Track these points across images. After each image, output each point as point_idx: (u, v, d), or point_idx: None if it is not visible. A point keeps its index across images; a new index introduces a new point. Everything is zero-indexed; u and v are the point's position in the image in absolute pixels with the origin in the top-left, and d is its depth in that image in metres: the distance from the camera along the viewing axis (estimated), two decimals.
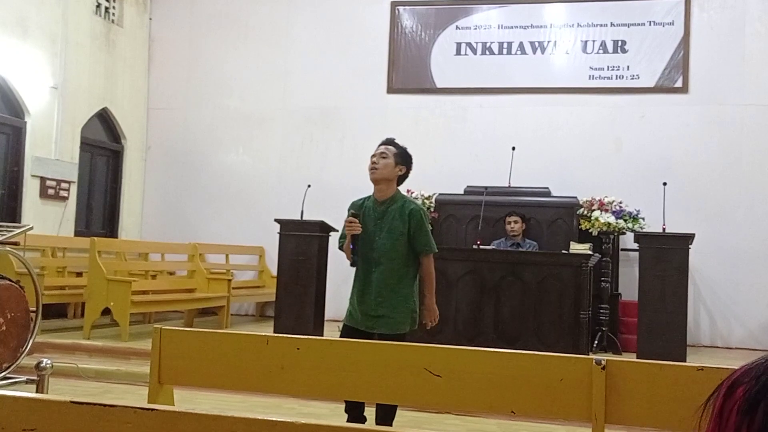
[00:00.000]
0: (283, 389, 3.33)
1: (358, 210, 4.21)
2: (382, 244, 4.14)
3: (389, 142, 4.32)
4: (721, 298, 8.98)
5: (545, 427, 5.05)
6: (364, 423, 3.92)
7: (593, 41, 9.56)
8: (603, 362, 2.84)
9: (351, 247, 4.16)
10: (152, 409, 1.78)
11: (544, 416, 3.35)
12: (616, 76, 9.46)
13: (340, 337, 4.15)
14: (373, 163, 4.21)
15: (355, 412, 4.03)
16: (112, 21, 10.20)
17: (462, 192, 8.71)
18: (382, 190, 4.23)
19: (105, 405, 1.78)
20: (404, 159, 4.27)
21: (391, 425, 4.03)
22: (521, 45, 9.76)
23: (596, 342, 7.58)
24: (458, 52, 9.95)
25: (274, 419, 1.71)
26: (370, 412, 4.11)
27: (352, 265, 4.21)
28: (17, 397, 1.87)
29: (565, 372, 2.91)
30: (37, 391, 4.43)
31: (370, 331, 4.14)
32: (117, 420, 1.77)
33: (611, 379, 2.82)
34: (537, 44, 9.72)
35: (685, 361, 6.65)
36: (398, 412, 4.16)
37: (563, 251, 7.40)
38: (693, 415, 1.07)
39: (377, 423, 3.95)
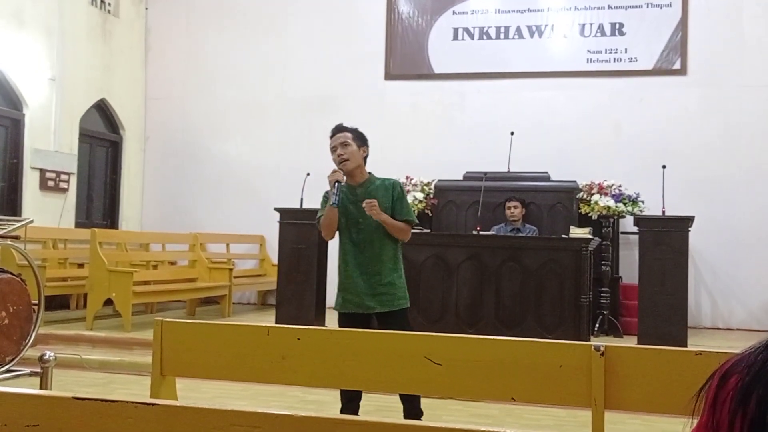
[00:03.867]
0: (284, 379, 3.35)
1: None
2: (368, 225, 4.10)
3: (341, 128, 4.28)
4: (722, 279, 9.00)
5: (546, 411, 5.08)
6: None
7: (591, 24, 9.52)
8: (602, 348, 2.85)
9: (334, 191, 4.04)
10: (154, 404, 1.79)
11: (544, 402, 3.38)
12: (614, 59, 9.43)
13: (339, 326, 4.12)
14: (339, 155, 4.18)
15: (351, 405, 4.01)
16: (108, 11, 10.17)
17: (461, 178, 8.72)
18: (356, 176, 4.21)
19: (107, 400, 1.80)
20: (363, 139, 4.27)
21: (419, 417, 4.03)
22: (518, 29, 9.73)
23: (597, 326, 7.60)
24: (455, 38, 9.92)
25: (275, 412, 1.72)
26: (368, 409, 4.13)
27: (333, 204, 4.05)
28: (20, 393, 1.89)
29: (565, 358, 2.93)
30: (41, 384, 4.46)
31: (371, 312, 4.11)
32: (119, 415, 1.78)
33: (610, 365, 2.83)
34: (534, 28, 9.69)
35: (686, 344, 6.68)
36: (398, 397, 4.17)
37: (563, 236, 7.41)
38: (688, 404, 1.08)
39: (406, 416, 3.95)
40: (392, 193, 4.18)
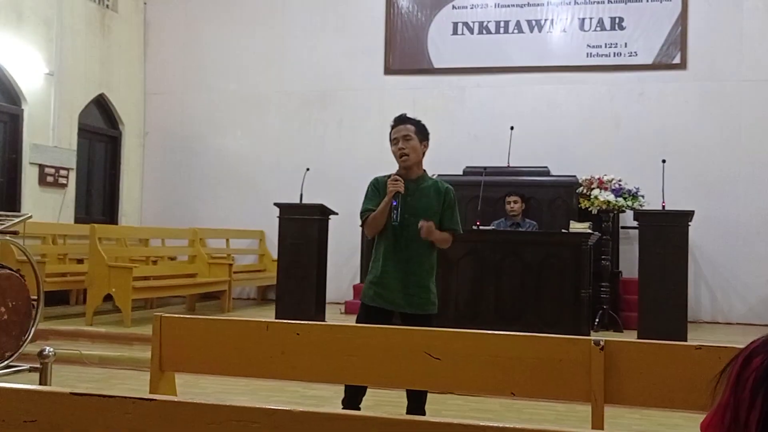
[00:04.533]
0: (284, 374, 3.34)
1: (383, 187, 4.04)
2: (414, 222, 3.95)
3: (404, 119, 4.11)
4: (722, 274, 9.00)
5: (546, 405, 5.08)
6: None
7: (590, 19, 9.50)
8: (602, 343, 2.85)
9: (393, 203, 3.92)
10: (152, 399, 1.79)
11: (544, 397, 3.37)
12: (614, 53, 9.42)
13: (358, 316, 4.05)
14: (401, 149, 4.01)
15: (354, 400, 3.97)
16: (107, 6, 10.14)
17: (461, 173, 8.71)
18: (413, 170, 4.06)
19: (104, 396, 1.79)
20: (425, 134, 4.11)
21: (424, 412, 3.98)
22: (518, 24, 9.71)
23: (597, 320, 7.60)
24: (455, 32, 9.90)
25: (273, 407, 1.72)
26: (368, 404, 4.12)
27: (395, 222, 3.93)
28: (17, 389, 1.88)
29: (564, 353, 2.93)
30: (40, 379, 4.45)
31: (400, 310, 4.01)
32: (117, 410, 1.78)
33: (610, 360, 2.83)
34: (534, 23, 9.67)
35: (686, 338, 6.67)
36: (400, 392, 4.15)
37: (563, 230, 7.41)
38: (707, 386, 1.09)
39: (409, 413, 3.91)
40: (444, 198, 4.05)
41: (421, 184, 4.07)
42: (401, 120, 4.12)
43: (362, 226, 4.17)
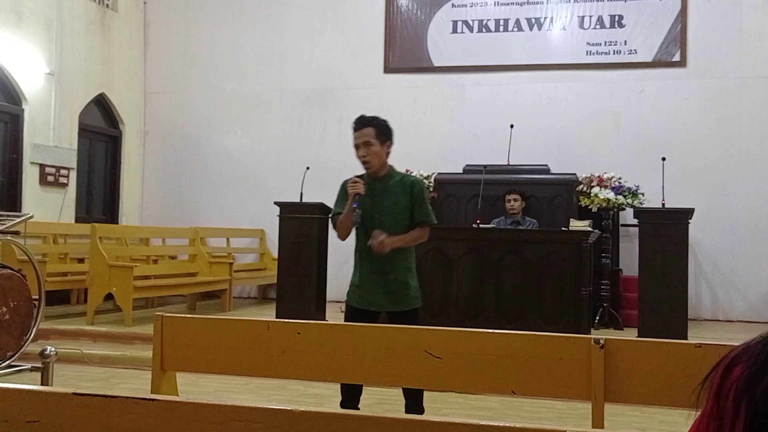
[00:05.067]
0: (284, 373, 3.35)
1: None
2: (385, 221, 3.97)
3: (364, 122, 4.06)
4: (722, 271, 9.00)
5: (546, 404, 5.09)
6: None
7: (590, 16, 9.50)
8: (602, 341, 2.86)
9: (354, 205, 3.92)
10: (153, 399, 1.80)
11: (545, 395, 3.38)
12: (614, 51, 9.42)
13: (345, 318, 4.06)
14: (362, 156, 4.00)
15: (351, 400, 3.95)
16: (107, 6, 10.14)
17: (461, 171, 8.72)
18: (377, 171, 4.05)
19: (107, 396, 1.80)
20: (386, 134, 4.03)
21: (421, 414, 3.99)
22: (518, 22, 9.71)
23: (597, 318, 7.61)
24: (455, 30, 9.90)
25: (275, 407, 1.73)
26: (368, 402, 4.12)
27: (355, 223, 3.93)
28: (20, 389, 1.89)
29: (565, 351, 2.94)
30: (42, 379, 4.46)
31: (383, 310, 4.02)
32: (119, 410, 1.79)
33: (610, 358, 2.84)
34: (533, 20, 9.67)
35: (686, 336, 6.68)
36: (401, 391, 4.16)
37: (563, 228, 7.41)
38: (691, 394, 1.09)
39: (407, 411, 3.92)
40: (411, 191, 4.02)
41: (387, 182, 4.05)
42: (361, 123, 4.06)
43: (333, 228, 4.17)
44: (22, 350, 5.36)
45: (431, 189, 8.58)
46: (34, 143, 8.77)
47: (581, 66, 9.51)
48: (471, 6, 9.86)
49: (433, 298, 7.06)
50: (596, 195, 7.98)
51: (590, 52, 9.48)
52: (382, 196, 4.02)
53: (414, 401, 3.96)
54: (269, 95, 10.49)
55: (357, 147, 4.03)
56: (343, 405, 3.97)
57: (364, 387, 4.08)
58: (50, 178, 8.98)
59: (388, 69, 10.10)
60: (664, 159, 7.78)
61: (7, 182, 8.59)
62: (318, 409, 1.72)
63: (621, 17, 9.41)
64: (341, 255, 9.24)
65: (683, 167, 8.78)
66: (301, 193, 7.79)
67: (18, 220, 5.89)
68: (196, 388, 5.29)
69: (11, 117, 8.64)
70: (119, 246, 8.85)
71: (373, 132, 4.00)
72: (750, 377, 1.00)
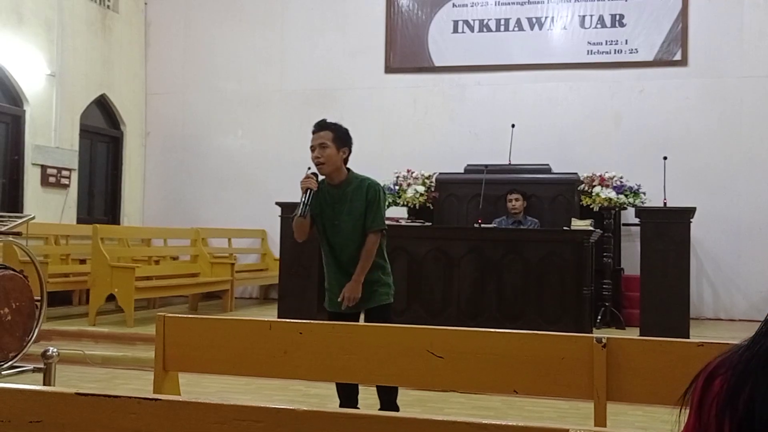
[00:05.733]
0: (286, 373, 3.35)
1: (314, 197, 4.05)
2: (344, 228, 4.04)
3: (322, 126, 4.12)
4: (724, 270, 9.00)
5: (548, 403, 5.09)
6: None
7: (591, 16, 9.50)
8: (604, 340, 2.86)
9: (302, 199, 3.95)
10: (156, 399, 1.80)
11: (547, 394, 3.38)
12: (615, 50, 9.41)
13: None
14: (316, 157, 4.05)
15: (349, 402, 3.96)
16: (108, 6, 10.15)
17: (462, 171, 8.71)
18: (333, 177, 4.09)
19: (109, 396, 1.80)
20: (343, 140, 4.09)
21: (396, 408, 4.02)
22: (518, 21, 9.71)
23: (599, 317, 7.60)
24: (455, 30, 9.90)
25: (277, 407, 1.73)
26: (370, 402, 4.12)
27: (301, 215, 3.97)
28: (22, 389, 1.89)
29: (567, 350, 2.93)
30: (44, 379, 4.47)
31: (354, 310, 4.06)
32: (121, 410, 1.79)
33: (612, 357, 2.84)
34: (534, 20, 9.66)
35: (688, 335, 6.68)
36: (403, 390, 4.16)
37: (565, 228, 7.40)
38: (675, 404, 1.08)
39: (382, 409, 3.92)
40: (366, 196, 4.05)
41: (345, 189, 4.09)
42: (319, 126, 4.13)
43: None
44: (24, 351, 5.36)
45: (432, 189, 8.58)
46: (36, 144, 8.78)
47: (582, 65, 9.50)
48: (472, 6, 9.86)
49: (434, 298, 7.07)
50: (598, 194, 7.97)
51: (591, 51, 9.48)
52: (340, 203, 4.07)
53: (388, 397, 3.98)
54: (270, 95, 10.49)
55: (312, 149, 4.08)
56: (342, 407, 3.97)
57: (365, 387, 4.09)
58: (52, 179, 8.99)
59: (389, 69, 10.10)
60: (665, 158, 7.78)
61: (9, 183, 8.60)
62: (320, 408, 1.72)
63: (622, 16, 9.41)
64: None
65: (684, 166, 8.77)
66: None
67: (20, 221, 5.89)
68: (198, 388, 5.29)
69: (12, 118, 8.64)
70: (121, 247, 8.86)
71: (331, 135, 4.07)
72: (731, 390, 0.99)
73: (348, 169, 4.16)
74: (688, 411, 1.05)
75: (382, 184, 4.31)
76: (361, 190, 4.07)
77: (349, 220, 4.04)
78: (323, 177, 4.13)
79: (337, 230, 4.06)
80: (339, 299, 4.00)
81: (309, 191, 3.98)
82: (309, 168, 4.15)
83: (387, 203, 5.03)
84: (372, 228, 4.06)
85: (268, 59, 10.51)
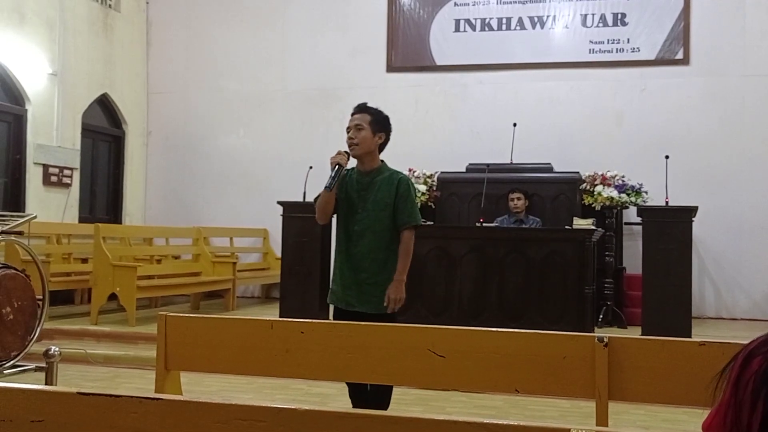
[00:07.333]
0: (288, 372, 3.35)
1: (342, 180, 3.95)
2: (366, 216, 3.88)
3: (362, 108, 3.99)
4: (726, 269, 8.99)
5: (550, 402, 5.09)
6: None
7: (593, 15, 9.49)
8: (605, 339, 2.86)
9: (331, 174, 3.85)
10: (158, 398, 1.80)
11: (548, 393, 3.38)
12: (617, 49, 9.40)
13: (333, 318, 4.01)
14: (350, 138, 3.93)
15: (359, 398, 3.86)
16: (109, 6, 10.15)
17: (464, 170, 8.72)
18: (366, 163, 3.98)
19: (111, 395, 1.80)
20: (381, 124, 3.95)
21: (386, 408, 3.86)
22: (520, 20, 9.70)
23: (601, 316, 7.60)
24: (457, 29, 9.90)
25: (279, 406, 1.73)
26: None
27: (327, 188, 3.86)
28: (25, 388, 1.89)
29: (568, 349, 2.93)
30: (46, 378, 4.47)
31: (352, 309, 3.86)
32: (123, 409, 1.79)
33: (614, 356, 2.84)
34: (536, 19, 9.66)
35: (690, 334, 6.67)
36: (404, 390, 4.14)
37: (566, 227, 7.40)
38: (708, 386, 1.09)
39: (369, 407, 3.81)
40: (397, 189, 3.90)
41: (375, 177, 3.96)
42: (358, 109, 4.01)
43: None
44: (26, 350, 5.36)
45: (434, 188, 8.58)
46: (38, 143, 8.78)
47: (584, 64, 9.49)
48: (473, 5, 9.85)
49: (436, 297, 7.07)
50: (599, 193, 7.97)
51: (593, 50, 9.47)
52: (367, 191, 3.94)
53: (377, 398, 3.82)
54: (271, 95, 10.49)
55: (348, 129, 3.99)
56: (354, 404, 3.91)
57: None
58: (53, 179, 8.99)
59: (391, 68, 10.10)
60: (667, 157, 7.77)
61: (11, 183, 8.60)
62: (322, 408, 1.72)
63: (624, 15, 9.40)
64: None
65: (686, 165, 8.76)
66: (304, 193, 7.79)
67: (22, 220, 5.90)
68: (200, 387, 5.30)
69: (14, 117, 8.65)
70: (123, 246, 8.86)
71: (368, 119, 3.95)
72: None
73: (381, 160, 4.05)
74: (724, 387, 1.07)
75: None
76: (391, 183, 3.93)
77: (373, 210, 3.89)
78: (352, 167, 4.01)
79: (358, 219, 3.91)
80: (384, 304, 3.80)
81: (338, 167, 3.86)
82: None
83: None
84: (409, 223, 3.91)
85: (270, 58, 10.51)
